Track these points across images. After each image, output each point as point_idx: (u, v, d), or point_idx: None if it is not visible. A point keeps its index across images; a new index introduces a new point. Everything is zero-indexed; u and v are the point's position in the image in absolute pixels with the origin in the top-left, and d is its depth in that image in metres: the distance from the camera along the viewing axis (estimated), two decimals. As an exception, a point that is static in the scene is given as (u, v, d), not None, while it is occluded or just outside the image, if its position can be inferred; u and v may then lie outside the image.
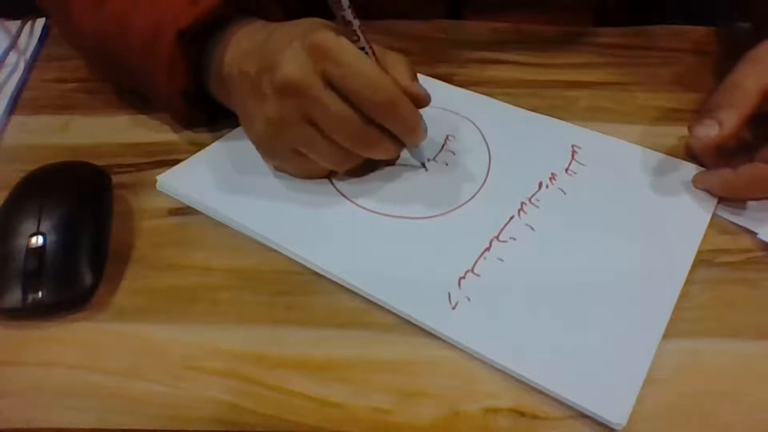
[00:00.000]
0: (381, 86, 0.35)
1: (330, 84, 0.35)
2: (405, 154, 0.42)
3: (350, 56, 0.35)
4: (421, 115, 0.38)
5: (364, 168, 0.41)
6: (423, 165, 0.42)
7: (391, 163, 0.42)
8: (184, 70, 0.41)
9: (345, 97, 0.35)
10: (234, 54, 0.40)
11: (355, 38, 0.36)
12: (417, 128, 0.38)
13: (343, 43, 0.35)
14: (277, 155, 0.40)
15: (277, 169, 0.42)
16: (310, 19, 0.39)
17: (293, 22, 0.39)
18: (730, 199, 0.40)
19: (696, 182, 0.42)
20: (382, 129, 0.37)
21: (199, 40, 0.41)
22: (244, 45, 0.40)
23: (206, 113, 0.45)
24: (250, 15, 0.43)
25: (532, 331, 0.34)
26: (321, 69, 0.35)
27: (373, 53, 0.37)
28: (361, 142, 0.37)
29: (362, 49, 0.36)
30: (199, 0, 0.40)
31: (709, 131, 0.39)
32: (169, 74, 0.41)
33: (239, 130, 0.43)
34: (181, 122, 0.46)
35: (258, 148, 0.40)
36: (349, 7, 0.35)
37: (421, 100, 0.38)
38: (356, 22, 0.36)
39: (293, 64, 0.35)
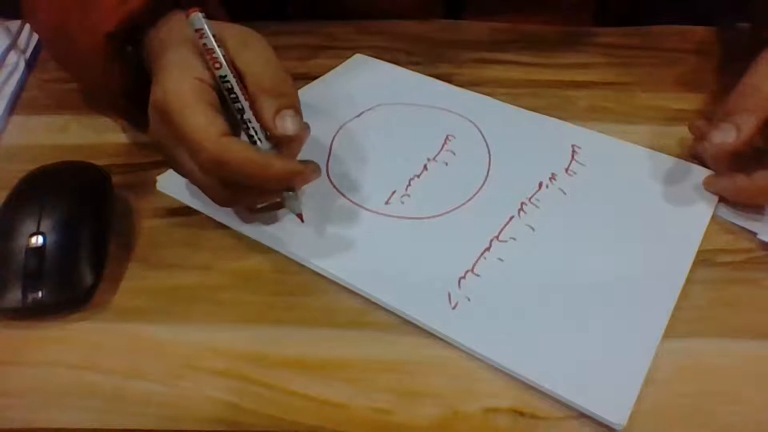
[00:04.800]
0: (202, 148, 0.32)
1: None
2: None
3: (179, 117, 0.33)
4: (278, 158, 0.34)
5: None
6: (299, 217, 0.37)
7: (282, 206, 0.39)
8: (120, 71, 0.41)
9: None
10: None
11: (217, 66, 0.34)
12: (271, 179, 0.34)
13: (175, 105, 0.33)
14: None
15: None
16: (181, 49, 0.36)
17: (175, 48, 0.36)
18: (741, 203, 0.40)
19: (707, 185, 0.41)
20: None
21: (134, 40, 0.40)
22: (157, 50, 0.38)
23: None
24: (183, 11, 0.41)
25: (532, 331, 0.34)
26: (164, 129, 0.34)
27: (236, 83, 0.34)
28: (217, 199, 0.36)
29: (225, 78, 0.34)
30: (127, 1, 0.39)
31: (727, 136, 0.37)
32: (104, 76, 0.41)
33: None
34: (137, 126, 0.46)
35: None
36: (213, 35, 0.34)
37: (292, 140, 0.35)
38: (220, 51, 0.34)
39: (152, 121, 0.35)
